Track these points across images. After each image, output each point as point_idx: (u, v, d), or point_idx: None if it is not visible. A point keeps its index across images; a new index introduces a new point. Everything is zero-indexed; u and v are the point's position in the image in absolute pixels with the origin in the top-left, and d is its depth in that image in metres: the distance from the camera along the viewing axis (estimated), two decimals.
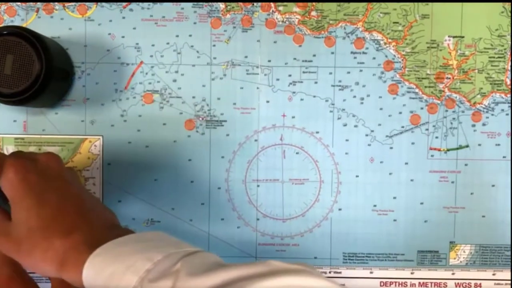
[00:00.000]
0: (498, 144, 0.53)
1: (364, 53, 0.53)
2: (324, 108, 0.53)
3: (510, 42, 0.52)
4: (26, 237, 0.33)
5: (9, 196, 0.34)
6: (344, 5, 0.53)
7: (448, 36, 0.53)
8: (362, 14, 0.53)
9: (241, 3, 0.53)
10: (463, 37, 0.53)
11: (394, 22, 0.53)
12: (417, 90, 0.53)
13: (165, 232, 0.36)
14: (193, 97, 0.51)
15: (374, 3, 0.53)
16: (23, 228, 0.33)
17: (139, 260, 0.30)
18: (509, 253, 0.53)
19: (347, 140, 0.53)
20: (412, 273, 0.53)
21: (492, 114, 0.53)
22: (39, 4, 0.52)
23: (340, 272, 0.52)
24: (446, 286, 0.53)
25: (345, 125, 0.53)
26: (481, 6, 0.52)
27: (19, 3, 0.53)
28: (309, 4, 0.52)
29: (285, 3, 0.53)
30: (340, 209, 0.52)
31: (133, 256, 0.30)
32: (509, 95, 0.52)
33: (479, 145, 0.53)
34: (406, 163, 0.53)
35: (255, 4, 0.53)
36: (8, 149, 0.52)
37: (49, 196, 0.34)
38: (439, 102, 0.53)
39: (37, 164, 0.35)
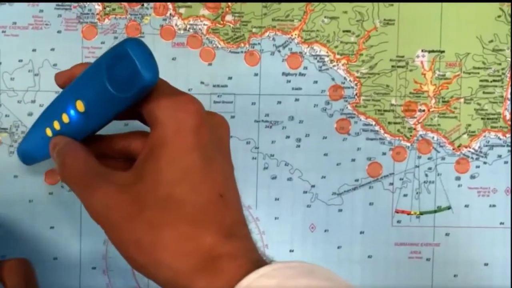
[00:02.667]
0: (493, 205, 0.45)
1: (301, 74, 0.44)
2: (244, 154, 0.44)
3: (510, 59, 0.44)
4: (162, 206, 0.27)
5: (161, 135, 0.28)
6: (272, 6, 0.44)
7: (422, 51, 0.44)
8: (299, 19, 0.44)
9: (125, 3, 0.44)
10: (443, 51, 0.44)
11: (344, 31, 0.44)
12: (377, 128, 0.44)
13: None
14: None
15: (316, 3, 0.44)
16: (163, 192, 0.27)
17: None
18: None
19: (277, 200, 0.45)
20: None
21: (485, 163, 0.45)
22: None
23: None
24: None
25: (274, 177, 0.45)
26: (468, 7, 0.44)
27: None
28: (223, 4, 0.43)
29: (188, 4, 0.43)
30: None
31: None
32: (508, 135, 0.45)
33: (466, 206, 0.45)
34: (362, 233, 0.45)
35: (145, 4, 0.44)
36: None
37: (217, 173, 0.29)
38: (408, 145, 0.45)
39: (213, 123, 0.30)
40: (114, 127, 0.33)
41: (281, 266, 0.27)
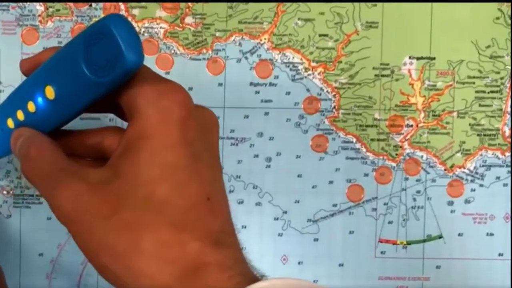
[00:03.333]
0: (491, 234, 0.43)
1: (272, 84, 0.43)
2: None
3: (510, 67, 0.43)
4: (141, 207, 0.25)
5: (142, 126, 0.26)
6: (239, 6, 0.42)
7: (410, 58, 0.43)
8: (269, 22, 0.42)
9: (71, 4, 0.41)
10: (433, 58, 0.43)
11: (321, 35, 0.43)
12: (358, 146, 0.43)
13: None
14: None
15: (288, 3, 0.42)
16: (142, 191, 0.25)
17: None
18: None
19: (244, 228, 0.43)
20: None
21: (481, 185, 0.44)
22: None
23: None
24: None
25: (240, 202, 0.43)
26: (462, 8, 0.43)
27: None
28: (182, 4, 0.42)
29: (143, 4, 0.41)
30: None
31: None
32: (508, 154, 0.43)
33: (460, 235, 0.44)
34: (341, 265, 0.43)
35: (93, 4, 0.41)
36: None
37: (204, 173, 0.27)
38: (394, 165, 0.43)
39: (201, 117, 0.28)
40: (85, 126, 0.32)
41: (278, 283, 0.25)
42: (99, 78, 0.26)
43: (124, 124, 0.29)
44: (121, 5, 0.41)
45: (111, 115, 0.42)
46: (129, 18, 0.41)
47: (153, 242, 0.25)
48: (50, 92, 0.28)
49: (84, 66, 0.26)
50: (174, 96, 0.27)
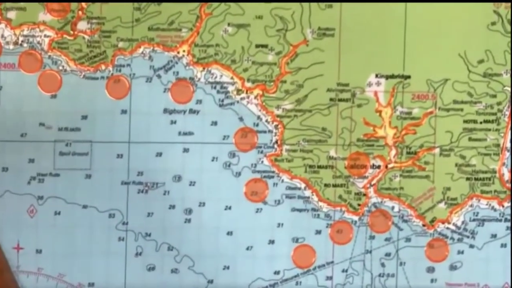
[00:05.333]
0: None
1: (193, 111, 0.38)
2: (106, 232, 0.38)
3: (511, 88, 0.39)
4: None
5: None
6: (149, 6, 0.37)
7: (377, 76, 0.39)
8: (190, 28, 0.38)
9: None
10: (408, 77, 0.39)
11: (258, 46, 0.39)
12: (308, 193, 0.39)
13: None
14: None
15: (215, 4, 0.38)
16: None
17: None
18: None
19: None
20: None
21: (472, 246, 0.40)
22: None
23: None
24: None
25: (151, 268, 0.38)
26: (447, 10, 0.39)
27: None
28: (74, 5, 0.37)
29: (21, 4, 0.37)
30: None
31: None
32: (507, 204, 0.39)
33: None
34: None
35: None
36: None
37: None
38: (355, 219, 0.40)
39: None
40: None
41: None
42: None
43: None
44: None
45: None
46: (3, 24, 0.37)
47: None
48: None
49: None
50: None
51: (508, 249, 0.39)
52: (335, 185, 0.39)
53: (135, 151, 0.38)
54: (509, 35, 0.39)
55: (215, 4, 0.37)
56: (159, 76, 0.37)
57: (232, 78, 0.38)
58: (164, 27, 0.37)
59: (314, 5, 0.38)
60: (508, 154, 0.39)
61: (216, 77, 0.38)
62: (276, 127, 0.38)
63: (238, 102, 0.38)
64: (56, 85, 0.37)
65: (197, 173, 0.39)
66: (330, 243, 0.39)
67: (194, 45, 0.37)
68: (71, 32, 0.37)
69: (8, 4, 0.37)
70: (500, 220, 0.39)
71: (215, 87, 0.38)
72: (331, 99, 0.38)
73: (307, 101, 0.38)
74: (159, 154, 0.38)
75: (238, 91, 0.38)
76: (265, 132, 0.38)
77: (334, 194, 0.39)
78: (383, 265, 0.39)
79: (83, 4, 0.37)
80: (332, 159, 0.39)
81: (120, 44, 0.38)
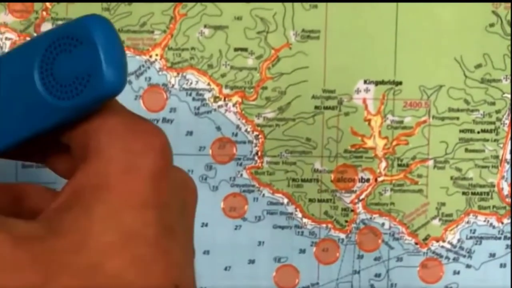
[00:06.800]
0: None
1: (167, 120, 0.37)
2: None
3: (510, 95, 0.38)
4: (84, 276, 0.22)
5: (102, 172, 0.23)
6: (119, 7, 0.36)
7: (366, 82, 0.38)
8: (163, 30, 0.36)
9: None
10: (399, 83, 0.37)
11: (237, 49, 0.37)
12: (291, 209, 0.38)
13: None
14: None
15: (190, 4, 0.37)
16: (89, 258, 0.22)
17: None
18: None
19: None
20: None
21: (469, 266, 0.38)
22: None
23: None
24: None
25: None
26: (441, 10, 0.37)
27: None
28: (37, 5, 0.36)
29: None
30: None
31: None
32: (507, 221, 0.38)
33: None
34: None
35: None
36: None
37: (175, 253, 0.23)
38: (342, 236, 0.38)
39: (177, 179, 0.26)
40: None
41: None
42: (57, 100, 0.24)
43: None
44: None
45: None
46: None
47: None
48: None
49: (39, 80, 0.24)
50: (149, 139, 0.24)
51: (508, 269, 0.37)
52: (320, 200, 0.37)
53: None
54: (509, 37, 0.37)
55: (190, 4, 0.36)
56: (130, 82, 0.36)
57: (208, 84, 0.36)
58: (135, 29, 0.35)
59: (297, 5, 0.36)
60: (507, 166, 0.38)
61: (191, 83, 0.36)
62: (256, 137, 0.37)
63: (215, 110, 0.37)
64: None
65: None
66: (315, 263, 0.37)
67: (168, 48, 0.36)
68: (35, 34, 0.35)
69: None
70: (499, 238, 0.38)
71: (190, 94, 0.36)
72: (316, 107, 0.37)
73: (290, 109, 0.37)
74: None
75: (215, 99, 0.37)
76: (244, 142, 0.37)
77: (320, 210, 0.37)
78: (372, 286, 0.38)
79: (48, 4, 0.35)
80: (317, 172, 0.37)
81: None
